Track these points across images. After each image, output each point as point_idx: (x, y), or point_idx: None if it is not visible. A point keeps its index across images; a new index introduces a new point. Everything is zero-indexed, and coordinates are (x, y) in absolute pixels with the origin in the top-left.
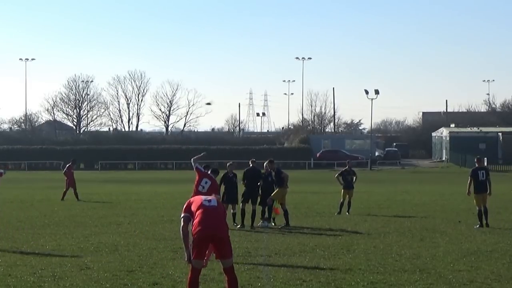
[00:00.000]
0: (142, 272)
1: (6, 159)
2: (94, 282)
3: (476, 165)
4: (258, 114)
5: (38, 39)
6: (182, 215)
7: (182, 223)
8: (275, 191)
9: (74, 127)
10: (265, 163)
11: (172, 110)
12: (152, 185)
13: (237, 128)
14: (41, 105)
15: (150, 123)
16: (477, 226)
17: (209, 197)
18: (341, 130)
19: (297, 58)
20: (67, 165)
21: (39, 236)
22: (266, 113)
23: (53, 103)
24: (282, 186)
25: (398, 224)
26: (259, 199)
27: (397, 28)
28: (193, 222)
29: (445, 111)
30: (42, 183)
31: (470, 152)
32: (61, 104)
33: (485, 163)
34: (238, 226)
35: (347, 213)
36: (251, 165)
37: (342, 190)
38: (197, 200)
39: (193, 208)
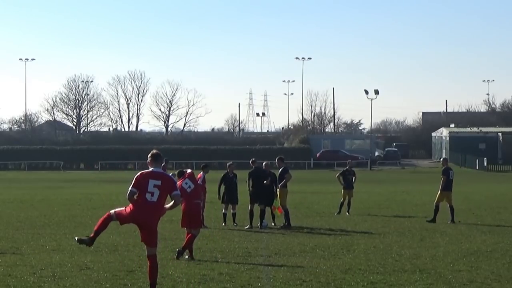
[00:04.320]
0: (142, 272)
1: (6, 159)
2: (94, 282)
3: (446, 165)
4: (258, 114)
5: (38, 39)
6: (131, 188)
7: (128, 194)
8: (280, 195)
9: (74, 127)
10: (264, 163)
11: (172, 110)
12: None
13: (237, 128)
14: (41, 105)
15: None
16: (429, 219)
17: (152, 190)
18: (341, 130)
19: (297, 58)
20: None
21: (39, 236)
22: (266, 113)
23: (53, 103)
24: (283, 187)
25: (398, 224)
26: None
27: (397, 28)
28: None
29: (445, 111)
30: (42, 183)
31: (470, 152)
32: (61, 104)
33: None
34: (247, 227)
35: (347, 213)
36: (253, 166)
37: (343, 190)
38: (143, 183)
39: (139, 188)
